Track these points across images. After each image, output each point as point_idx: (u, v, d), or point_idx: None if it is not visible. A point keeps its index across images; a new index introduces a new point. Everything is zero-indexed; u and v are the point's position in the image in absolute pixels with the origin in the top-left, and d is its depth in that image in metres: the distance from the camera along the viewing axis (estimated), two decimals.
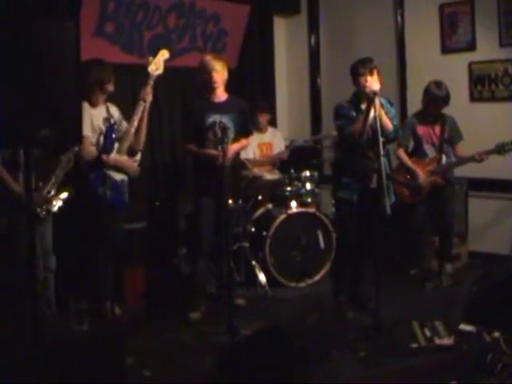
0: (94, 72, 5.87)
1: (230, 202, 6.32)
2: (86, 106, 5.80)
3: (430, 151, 6.93)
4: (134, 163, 6.05)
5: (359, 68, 5.77)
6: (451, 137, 6.92)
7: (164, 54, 5.89)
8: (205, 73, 6.09)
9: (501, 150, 6.54)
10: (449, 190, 6.98)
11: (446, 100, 6.75)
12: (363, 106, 5.75)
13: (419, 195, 6.89)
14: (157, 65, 5.84)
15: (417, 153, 6.97)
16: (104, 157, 5.74)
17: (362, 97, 5.81)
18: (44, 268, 5.54)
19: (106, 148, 5.82)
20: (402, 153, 6.93)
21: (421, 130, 6.91)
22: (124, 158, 5.95)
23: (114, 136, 5.87)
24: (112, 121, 5.88)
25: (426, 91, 6.80)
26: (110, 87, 6.00)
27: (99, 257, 6.01)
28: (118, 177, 5.93)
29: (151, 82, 5.87)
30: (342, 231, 6.19)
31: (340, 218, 6.22)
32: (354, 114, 5.85)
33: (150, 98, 5.90)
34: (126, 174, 6.00)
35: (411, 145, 6.98)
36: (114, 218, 5.96)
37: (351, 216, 5.95)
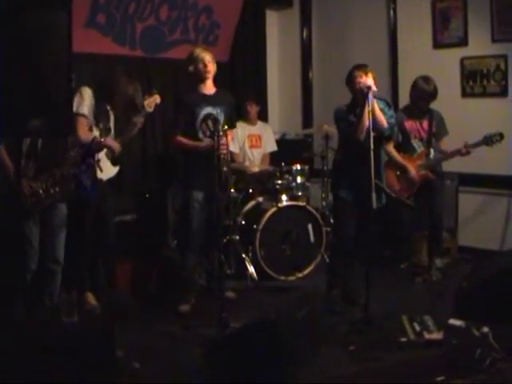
0: (130, 89, 6.11)
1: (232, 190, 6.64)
2: (88, 91, 5.92)
3: (418, 146, 6.93)
4: (117, 146, 6.13)
5: (355, 70, 5.77)
6: (438, 131, 6.94)
7: (157, 99, 6.17)
8: (199, 63, 6.09)
9: (488, 141, 6.59)
10: (438, 183, 6.98)
11: (434, 95, 6.77)
12: (359, 110, 5.72)
13: (410, 189, 6.90)
14: (150, 104, 6.13)
15: (405, 148, 6.94)
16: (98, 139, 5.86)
17: (358, 101, 5.79)
18: (50, 260, 5.55)
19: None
20: (391, 148, 6.92)
21: (408, 124, 6.91)
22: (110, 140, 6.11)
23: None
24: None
25: (414, 86, 6.81)
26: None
27: (81, 249, 6.07)
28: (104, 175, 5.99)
29: (144, 115, 6.18)
30: (340, 227, 6.13)
31: (338, 215, 6.18)
32: (352, 118, 5.79)
33: (140, 125, 6.22)
34: (113, 152, 6.08)
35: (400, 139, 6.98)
36: (96, 213, 6.03)
37: (348, 214, 5.92)
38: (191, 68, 6.15)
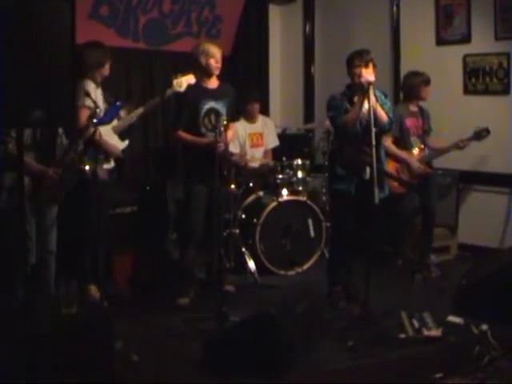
0: (92, 54, 5.97)
1: (233, 186, 6.76)
2: (92, 85, 5.92)
3: (415, 142, 7.02)
4: (117, 149, 6.13)
5: (355, 59, 5.71)
6: (428, 128, 7.11)
7: (191, 79, 6.03)
8: (211, 58, 6.08)
9: (478, 136, 6.79)
10: (433, 179, 7.13)
11: (428, 80, 6.98)
12: (356, 99, 5.72)
13: (409, 185, 6.94)
14: (181, 83, 5.99)
15: (403, 144, 7.01)
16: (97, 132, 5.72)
17: (355, 89, 5.76)
18: (42, 249, 5.54)
19: (102, 119, 5.69)
20: (390, 143, 6.90)
21: (408, 122, 6.97)
22: (110, 142, 6.03)
23: (115, 114, 5.98)
24: (119, 102, 6.00)
25: (412, 79, 7.00)
26: (106, 71, 6.09)
27: (84, 241, 6.08)
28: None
29: (169, 94, 6.05)
30: (339, 222, 6.08)
31: (337, 210, 6.11)
32: (347, 105, 5.77)
33: (159, 102, 6.15)
34: (107, 155, 6.05)
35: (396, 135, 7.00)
36: (99, 202, 6.00)
37: (349, 207, 5.85)
38: (203, 60, 6.11)
